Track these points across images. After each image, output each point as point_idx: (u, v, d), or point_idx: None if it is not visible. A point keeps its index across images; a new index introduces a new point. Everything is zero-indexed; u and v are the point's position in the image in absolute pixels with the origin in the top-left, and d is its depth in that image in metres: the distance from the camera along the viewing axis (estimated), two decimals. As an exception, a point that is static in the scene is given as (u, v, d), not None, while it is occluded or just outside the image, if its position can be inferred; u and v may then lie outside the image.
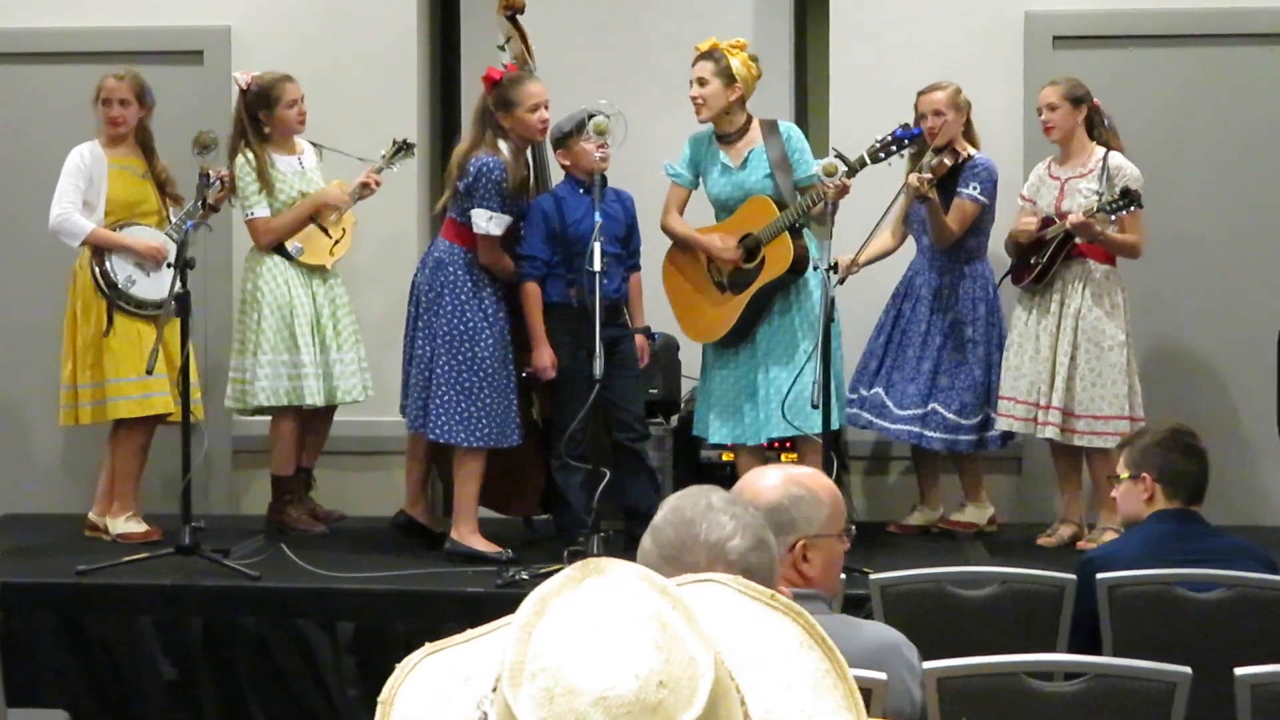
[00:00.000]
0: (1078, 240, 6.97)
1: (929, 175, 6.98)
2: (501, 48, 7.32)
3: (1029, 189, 7.28)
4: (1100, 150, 7.07)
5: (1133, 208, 6.79)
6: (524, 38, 7.22)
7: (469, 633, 1.83)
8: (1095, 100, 7.11)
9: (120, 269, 7.12)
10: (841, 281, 6.99)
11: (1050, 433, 7.03)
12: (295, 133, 7.35)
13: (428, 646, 1.82)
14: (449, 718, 1.73)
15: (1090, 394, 7.00)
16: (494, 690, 1.68)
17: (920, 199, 7.03)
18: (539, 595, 1.69)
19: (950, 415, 7.19)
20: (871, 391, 7.29)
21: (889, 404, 7.24)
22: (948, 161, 7.10)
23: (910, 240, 7.46)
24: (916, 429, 7.21)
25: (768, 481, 3.38)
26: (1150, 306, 7.62)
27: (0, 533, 7.54)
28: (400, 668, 1.79)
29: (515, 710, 1.60)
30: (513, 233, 6.89)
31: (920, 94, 7.23)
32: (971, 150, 7.23)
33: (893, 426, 7.26)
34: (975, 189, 7.16)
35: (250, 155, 7.24)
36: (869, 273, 7.24)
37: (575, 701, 1.58)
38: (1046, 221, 7.08)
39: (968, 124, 7.28)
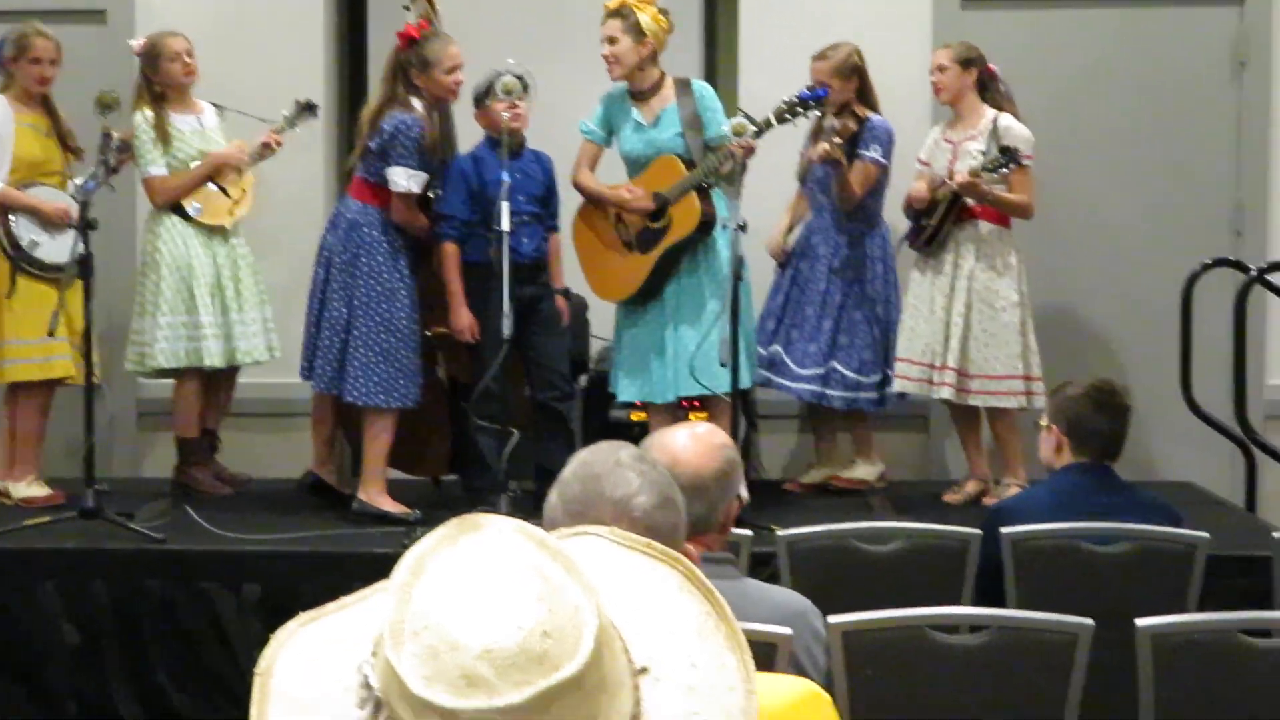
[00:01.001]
0: (968, 202, 6.99)
1: (837, 139, 6.97)
2: (406, 7, 7.27)
3: (925, 152, 7.31)
4: (991, 113, 7.10)
5: (1012, 166, 6.81)
6: None
7: (344, 600, 1.81)
8: (990, 65, 7.13)
9: (25, 231, 7.02)
10: (783, 267, 7.03)
11: (945, 393, 7.07)
12: (182, 85, 7.24)
13: (303, 615, 1.79)
14: (329, 685, 1.70)
15: (984, 354, 7.04)
16: (374, 654, 1.66)
17: (830, 163, 7.03)
18: (415, 554, 1.67)
19: (850, 373, 7.22)
20: (771, 350, 7.30)
21: (789, 363, 7.26)
22: (852, 124, 7.10)
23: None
24: (818, 388, 7.23)
25: (699, 445, 3.35)
26: (1053, 267, 7.67)
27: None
28: (276, 638, 1.77)
29: (399, 670, 1.58)
30: (425, 191, 6.84)
31: (813, 59, 7.23)
32: (868, 113, 7.23)
33: (794, 385, 7.28)
34: (876, 151, 7.18)
35: (148, 113, 7.15)
36: (765, 233, 7.22)
37: (459, 657, 1.57)
38: (940, 184, 7.10)
39: (866, 85, 7.27)
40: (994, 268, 7.05)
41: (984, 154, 6.96)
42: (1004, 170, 6.83)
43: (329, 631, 1.78)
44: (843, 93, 7.15)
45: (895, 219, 7.41)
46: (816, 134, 7.23)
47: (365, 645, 1.71)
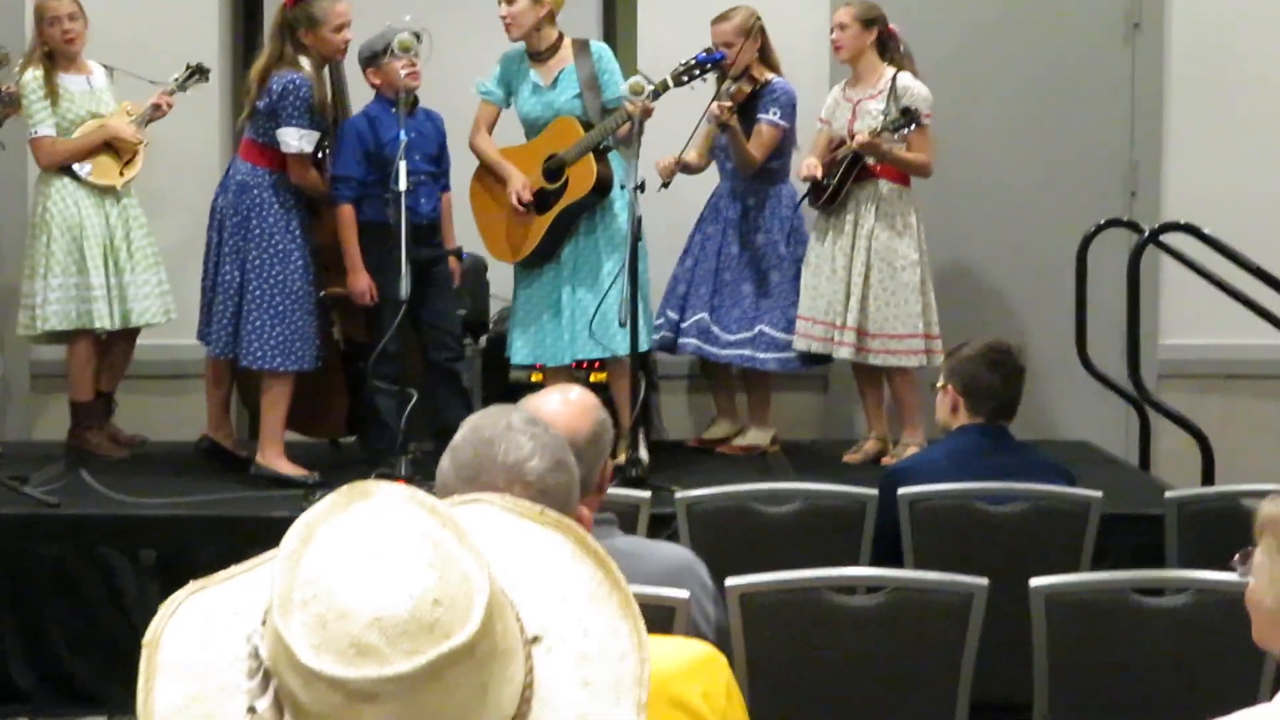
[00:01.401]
0: (868, 160, 7.02)
1: (729, 103, 6.97)
2: None
3: (825, 110, 7.33)
4: (890, 71, 7.12)
5: (913, 126, 6.84)
6: None
7: (233, 569, 1.79)
8: (890, 25, 7.15)
9: None
10: (666, 185, 7.01)
11: (845, 353, 7.09)
12: (63, 51, 7.11)
13: (191, 585, 1.77)
14: (218, 654, 1.68)
15: (884, 313, 7.07)
16: (264, 623, 1.65)
17: (721, 127, 7.02)
18: (305, 521, 1.66)
19: (779, 334, 7.23)
20: (697, 318, 7.28)
21: (715, 330, 7.25)
22: (746, 88, 7.10)
23: (713, 164, 7.46)
24: (748, 352, 7.23)
25: (571, 409, 3.34)
26: (948, 227, 7.71)
27: None
28: (164, 608, 1.74)
29: (287, 638, 1.57)
30: (316, 150, 6.78)
31: (712, 23, 7.22)
32: (769, 75, 7.22)
33: (723, 352, 7.27)
34: (775, 114, 7.17)
35: (36, 73, 7.04)
36: (671, 195, 7.21)
37: (349, 625, 1.56)
38: (840, 143, 7.12)
39: (766, 48, 7.27)
40: (894, 227, 7.07)
41: (884, 114, 6.98)
42: (904, 130, 6.86)
43: (218, 600, 1.76)
44: (744, 55, 7.14)
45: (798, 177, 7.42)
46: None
47: (255, 614, 1.69)
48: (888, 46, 7.16)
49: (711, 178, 7.46)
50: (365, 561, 1.59)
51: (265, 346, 6.67)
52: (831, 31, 7.22)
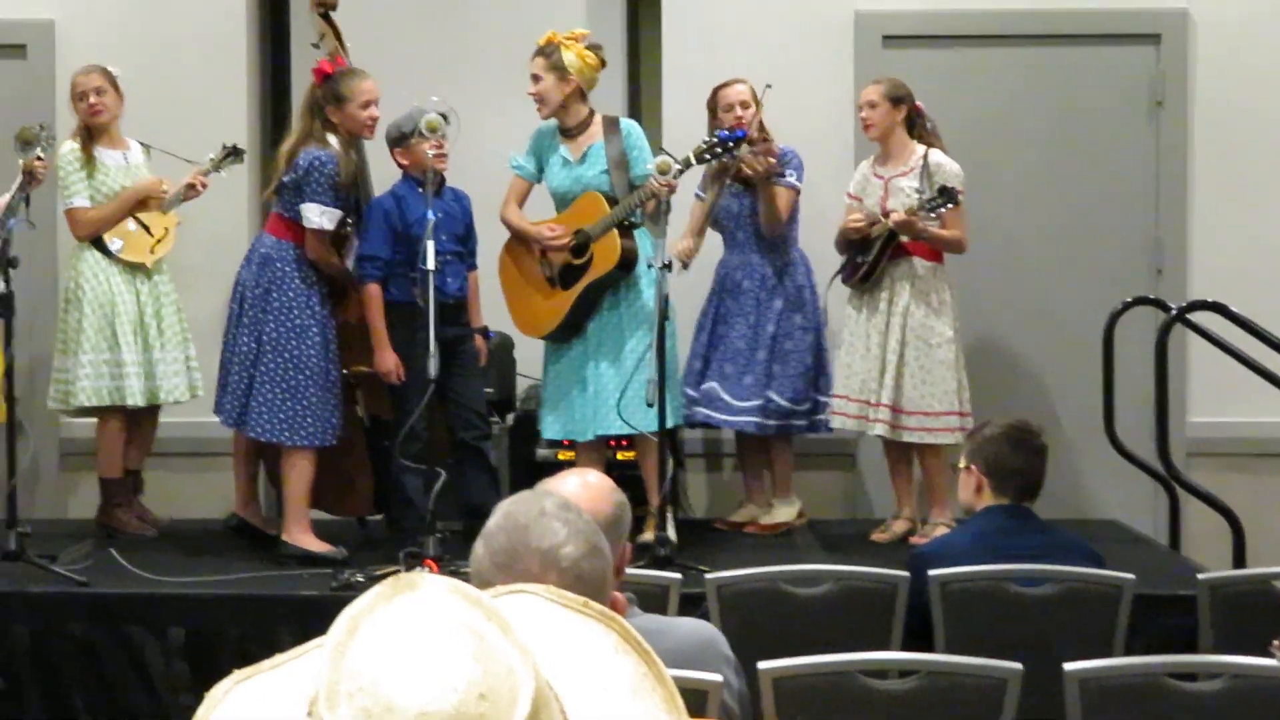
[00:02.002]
0: (902, 238, 7.03)
1: (769, 157, 6.99)
2: (316, 45, 7.27)
3: (855, 187, 7.35)
4: (921, 149, 7.14)
5: (949, 205, 6.86)
6: (338, 34, 7.18)
7: (279, 657, 1.79)
8: (917, 103, 7.18)
9: None
10: (686, 267, 7.05)
11: (880, 430, 7.09)
12: (91, 124, 7.18)
13: (236, 674, 1.76)
14: None
15: (920, 391, 7.07)
16: (309, 714, 1.64)
17: (761, 182, 7.04)
18: (350, 614, 1.65)
19: (785, 403, 7.23)
20: (706, 387, 7.29)
21: (725, 397, 7.25)
22: (776, 146, 7.13)
23: (715, 237, 7.47)
24: (756, 419, 7.23)
25: (591, 492, 3.35)
26: (974, 304, 7.71)
27: None
28: (209, 697, 1.74)
29: None
30: (339, 228, 6.82)
31: (719, 89, 7.26)
32: (780, 145, 7.26)
33: (731, 419, 7.27)
34: (793, 176, 7.21)
35: (74, 145, 7.13)
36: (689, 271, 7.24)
37: (395, 719, 1.55)
38: (873, 221, 7.14)
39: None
40: (929, 304, 7.09)
41: (919, 191, 7.00)
42: (942, 209, 6.87)
43: (263, 690, 1.76)
44: (756, 117, 7.17)
45: (811, 244, 7.43)
46: (719, 174, 7.22)
47: (299, 706, 1.69)
48: (915, 124, 7.19)
49: (716, 250, 7.46)
50: (410, 655, 1.59)
51: (274, 420, 6.68)
52: (860, 109, 7.25)
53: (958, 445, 6.89)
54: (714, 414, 7.28)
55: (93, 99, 7.15)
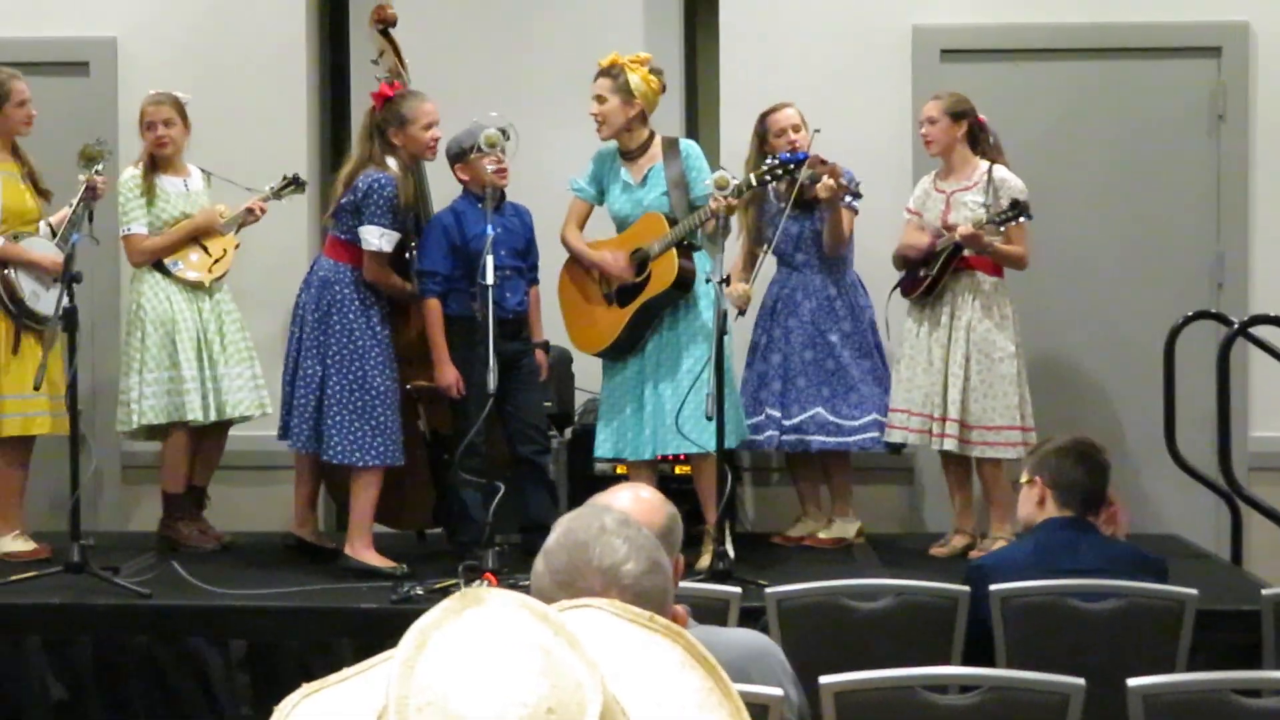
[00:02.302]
0: (966, 252, 7.02)
1: (834, 183, 6.98)
2: (375, 62, 7.33)
3: (915, 202, 7.34)
4: (984, 164, 7.13)
5: (1021, 219, 6.85)
6: (397, 51, 7.22)
7: (346, 671, 1.80)
8: (980, 116, 7.17)
9: (25, 284, 7.01)
10: (742, 313, 7.08)
11: (949, 445, 7.07)
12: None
13: (305, 687, 1.78)
14: None
15: (983, 405, 7.05)
16: (377, 727, 1.66)
17: (829, 201, 7.03)
18: (419, 628, 1.67)
19: (839, 420, 7.22)
20: (812, 412, 7.26)
21: (835, 420, 7.23)
22: (838, 166, 7.12)
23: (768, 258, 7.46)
24: (810, 436, 7.22)
25: (644, 505, 3.36)
26: (1034, 319, 7.67)
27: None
28: (279, 710, 1.76)
29: None
30: (399, 250, 6.84)
31: (768, 114, 7.28)
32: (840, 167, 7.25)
33: (849, 440, 7.26)
34: (850, 199, 7.20)
35: (135, 170, 7.18)
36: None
37: (464, 733, 1.56)
38: (935, 235, 7.12)
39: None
40: (992, 318, 7.07)
41: (985, 206, 6.99)
42: (1012, 222, 6.86)
43: (331, 703, 1.78)
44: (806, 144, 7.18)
45: (868, 260, 7.43)
46: (760, 188, 7.20)
47: (368, 718, 1.70)
48: (978, 138, 7.17)
49: (768, 271, 7.45)
50: (480, 669, 1.60)
51: (346, 442, 6.72)
52: (920, 125, 7.23)
53: (1019, 460, 6.89)
54: (829, 438, 7.24)
55: (160, 130, 7.20)
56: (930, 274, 7.08)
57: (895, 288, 7.29)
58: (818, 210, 7.22)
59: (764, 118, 7.30)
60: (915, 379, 7.14)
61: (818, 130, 7.01)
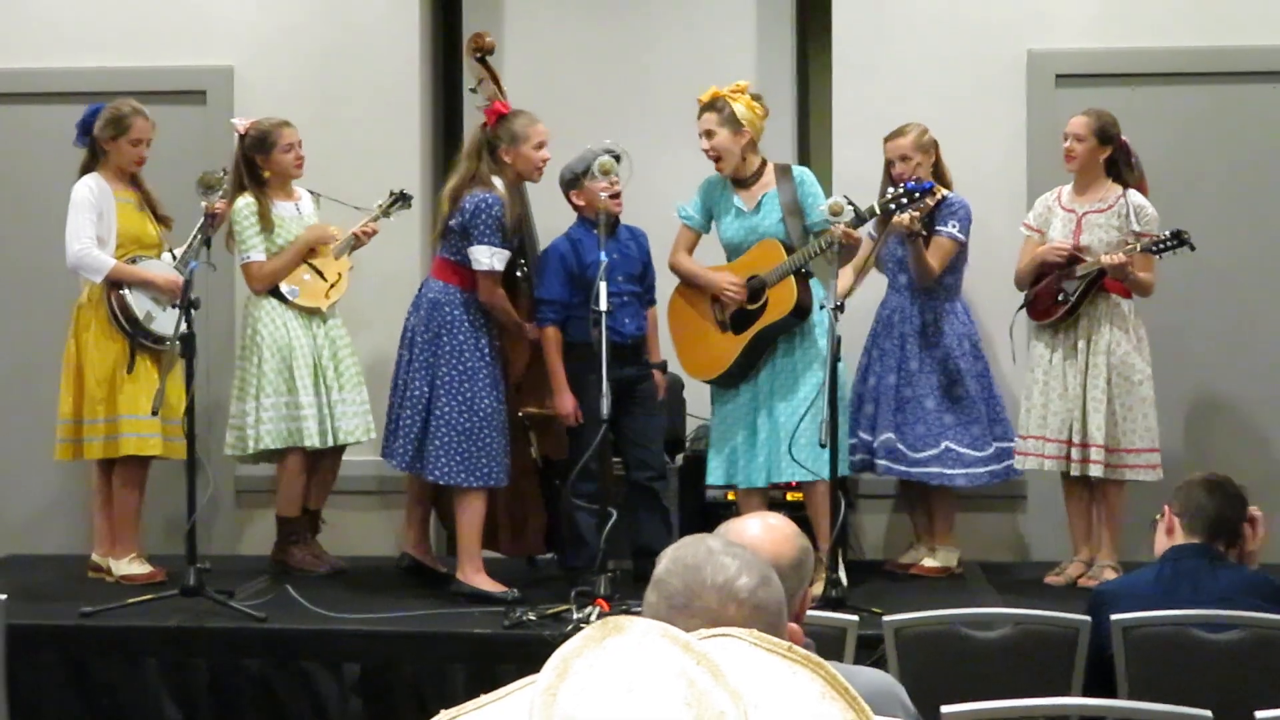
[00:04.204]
0: (1106, 276, 6.94)
1: (917, 214, 6.95)
2: (474, 90, 7.36)
3: (1035, 219, 7.27)
4: (1117, 188, 7.05)
5: (1179, 249, 6.77)
6: (495, 79, 7.25)
7: (483, 698, 1.80)
8: (1124, 138, 7.09)
9: (140, 304, 7.10)
10: (840, 308, 7.01)
11: (1095, 471, 6.98)
12: (293, 177, 7.35)
13: (444, 713, 1.78)
14: None
15: (1122, 428, 6.99)
16: (516, 754, 1.65)
17: (909, 236, 7.01)
18: (560, 656, 1.66)
19: (965, 450, 7.17)
20: (884, 437, 7.23)
21: (901, 448, 7.20)
22: (929, 201, 7.07)
23: (880, 279, 7.43)
24: (936, 469, 7.17)
25: (775, 535, 3.34)
26: (1158, 342, 7.57)
27: (1, 574, 7.47)
28: None
29: None
30: (507, 271, 6.87)
31: (886, 139, 7.25)
32: (944, 190, 7.20)
33: (912, 470, 7.21)
34: (954, 227, 7.17)
35: (249, 200, 7.23)
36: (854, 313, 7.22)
37: (608, 761, 1.55)
38: (1055, 265, 7.04)
39: (938, 163, 7.27)
40: (1130, 341, 7.02)
41: (1134, 233, 6.91)
42: (1171, 252, 6.80)
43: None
44: (921, 169, 7.13)
45: (982, 283, 7.37)
46: (885, 218, 7.18)
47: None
48: (1118, 160, 7.08)
49: (878, 292, 7.42)
50: (623, 699, 1.59)
51: (451, 462, 6.74)
52: (1065, 139, 7.14)
53: (1156, 483, 6.80)
54: (894, 465, 7.22)
55: (300, 150, 7.28)
56: (1070, 298, 7.00)
57: (1021, 308, 7.22)
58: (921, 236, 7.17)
59: (885, 142, 7.26)
60: (1051, 405, 7.06)
61: (935, 187, 6.97)
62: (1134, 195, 7.03)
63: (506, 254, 6.77)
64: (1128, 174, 7.10)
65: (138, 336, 7.10)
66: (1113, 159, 7.09)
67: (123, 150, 7.19)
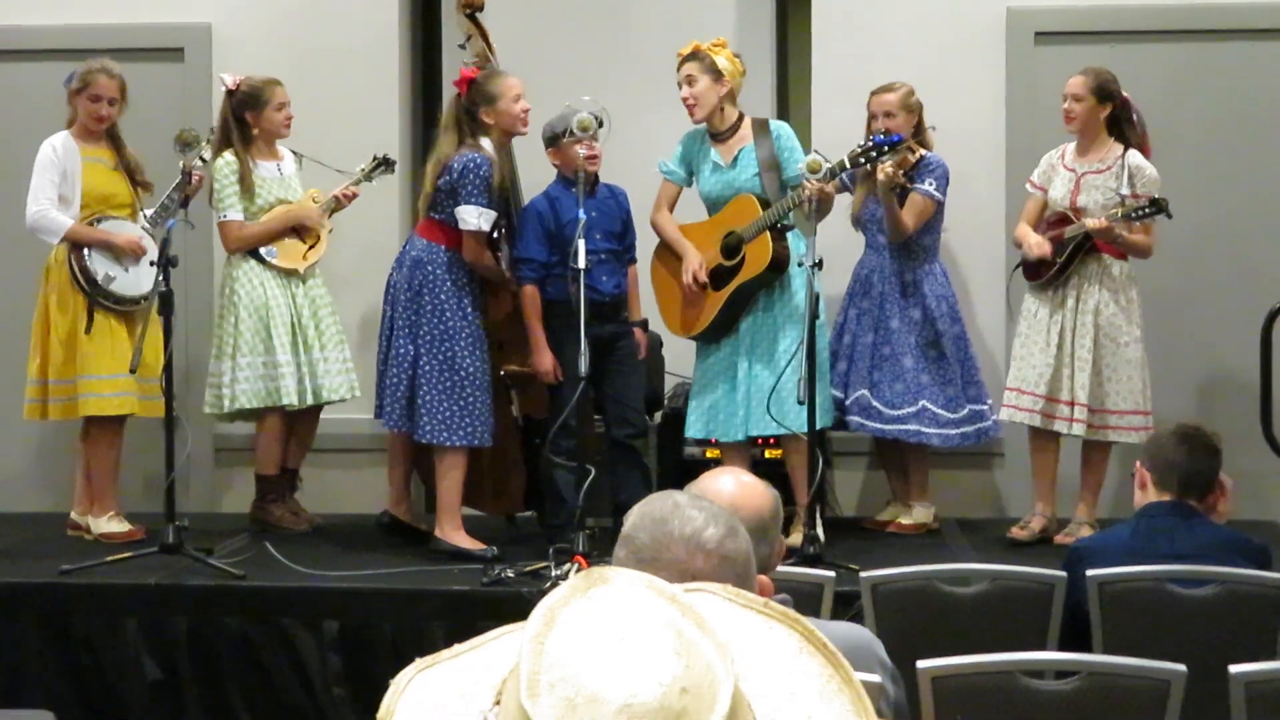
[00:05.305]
0: (1095, 239, 6.96)
1: (889, 170, 6.94)
2: (462, 46, 7.35)
3: (1040, 176, 7.25)
4: (1119, 148, 7.04)
5: (1156, 216, 6.79)
6: (484, 35, 7.24)
7: (457, 647, 1.81)
8: (1125, 95, 7.08)
9: (99, 265, 7.06)
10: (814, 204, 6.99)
11: (1078, 430, 7.01)
12: (281, 137, 7.33)
13: (418, 662, 1.79)
14: None
15: (1108, 389, 7.01)
16: (496, 702, 1.67)
17: (890, 188, 7.00)
18: (547, 605, 1.67)
19: (940, 410, 7.18)
20: (858, 394, 7.25)
21: (877, 405, 7.22)
22: (911, 157, 7.07)
23: (860, 238, 7.44)
24: (913, 427, 7.19)
25: (748, 489, 3.35)
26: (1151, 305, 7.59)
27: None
28: (394, 685, 1.77)
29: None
30: (493, 231, 6.87)
31: (873, 94, 7.25)
32: (922, 150, 7.20)
33: (887, 427, 7.22)
34: (931, 185, 7.16)
35: (232, 157, 7.21)
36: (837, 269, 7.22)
37: (598, 710, 1.56)
38: (1060, 219, 7.05)
39: (920, 126, 7.26)
40: (1119, 303, 7.02)
41: (1122, 197, 6.91)
42: (1149, 219, 6.81)
43: (446, 679, 1.79)
44: (903, 126, 7.13)
45: (962, 241, 7.36)
46: (868, 177, 7.18)
47: (484, 694, 1.71)
48: (1120, 119, 7.07)
49: (856, 251, 7.43)
50: (612, 647, 1.60)
51: (435, 421, 6.75)
52: (1063, 100, 7.12)
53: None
54: (868, 422, 7.24)
55: (290, 110, 7.26)
56: (1059, 260, 7.01)
57: (1017, 267, 7.25)
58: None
59: (870, 96, 7.27)
60: (1031, 357, 7.08)
61: (933, 128, 6.99)
62: (1134, 156, 7.01)
63: (493, 214, 6.77)
64: (1130, 132, 7.08)
65: (97, 297, 7.07)
66: (1114, 117, 7.07)
67: (84, 107, 7.15)
